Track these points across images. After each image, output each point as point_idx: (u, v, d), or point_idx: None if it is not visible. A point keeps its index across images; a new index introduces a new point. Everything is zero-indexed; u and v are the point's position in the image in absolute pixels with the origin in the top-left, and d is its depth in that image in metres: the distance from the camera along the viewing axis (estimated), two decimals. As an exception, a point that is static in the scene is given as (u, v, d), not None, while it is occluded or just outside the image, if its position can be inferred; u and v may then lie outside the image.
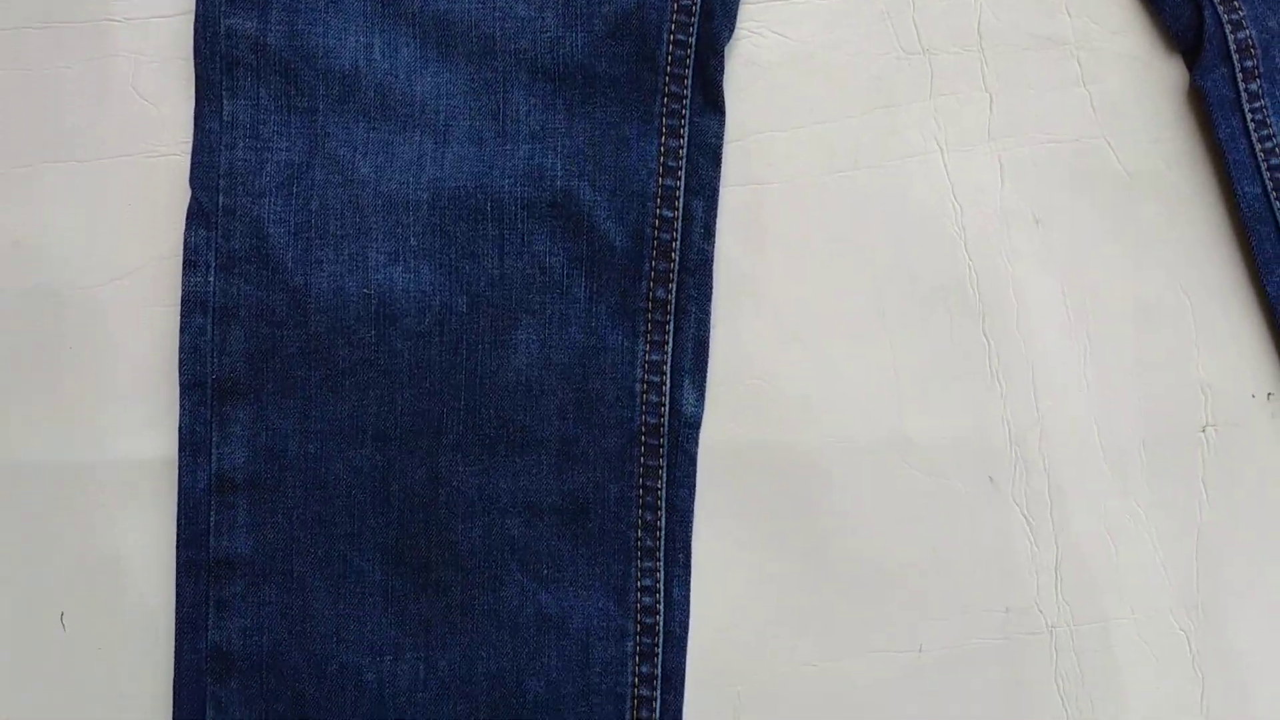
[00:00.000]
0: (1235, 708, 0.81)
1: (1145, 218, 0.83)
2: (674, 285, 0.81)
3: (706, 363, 0.82)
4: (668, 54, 0.81)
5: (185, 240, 0.79)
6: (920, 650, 0.81)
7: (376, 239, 0.80)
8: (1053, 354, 0.82)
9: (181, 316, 0.79)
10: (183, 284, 0.79)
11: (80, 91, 0.83)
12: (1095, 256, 0.83)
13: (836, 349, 0.82)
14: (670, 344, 0.81)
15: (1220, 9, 0.81)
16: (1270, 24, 0.81)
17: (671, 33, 0.80)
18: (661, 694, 0.80)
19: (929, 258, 0.83)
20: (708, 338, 0.82)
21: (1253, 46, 0.81)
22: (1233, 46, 0.81)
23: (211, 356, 0.79)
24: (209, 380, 0.79)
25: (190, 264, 0.79)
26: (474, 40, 0.81)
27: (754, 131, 0.83)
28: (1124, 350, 0.82)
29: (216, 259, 0.79)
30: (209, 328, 0.79)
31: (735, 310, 0.83)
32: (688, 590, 0.81)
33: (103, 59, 0.83)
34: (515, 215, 0.80)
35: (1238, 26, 0.81)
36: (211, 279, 0.79)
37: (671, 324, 0.81)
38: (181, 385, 0.79)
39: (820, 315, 0.83)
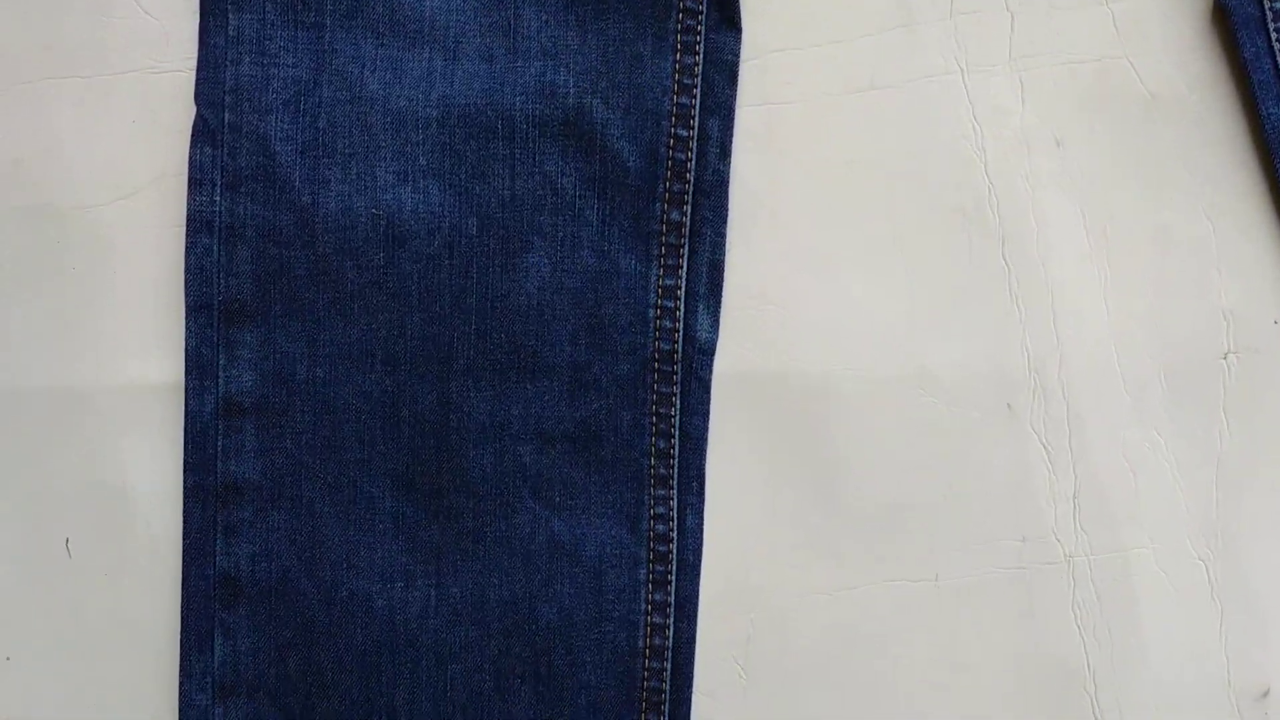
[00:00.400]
0: (1254, 638, 0.80)
1: (1168, 139, 0.81)
2: (689, 207, 0.79)
3: (721, 287, 0.81)
4: (682, -31, 0.79)
5: (190, 158, 0.78)
6: (936, 579, 0.80)
7: (385, 158, 0.78)
8: (1073, 279, 0.81)
9: (187, 236, 0.78)
10: (188, 203, 0.78)
11: (83, 6, 0.82)
12: (1117, 179, 0.81)
13: (853, 273, 0.81)
14: (684, 268, 0.80)
15: (1247, -75, 0.80)
16: (1298, -60, 0.80)
17: (686, -53, 0.79)
18: (674, 621, 0.79)
19: (948, 180, 0.81)
20: (722, 261, 0.80)
21: (1279, -35, 0.80)
22: (1258, -35, 0.80)
23: (218, 278, 0.78)
24: (215, 302, 0.78)
25: (196, 183, 0.78)
26: (484, -45, 0.79)
27: (770, 50, 0.82)
28: (1145, 275, 0.81)
29: (223, 178, 0.78)
30: (215, 248, 0.78)
31: (749, 233, 0.81)
32: (701, 518, 0.80)
33: (105, -27, 0.82)
34: (526, 134, 0.79)
35: (1265, -57, 0.80)
36: (217, 198, 0.78)
37: (686, 247, 0.80)
38: (188, 307, 0.78)
39: (837, 238, 0.81)
